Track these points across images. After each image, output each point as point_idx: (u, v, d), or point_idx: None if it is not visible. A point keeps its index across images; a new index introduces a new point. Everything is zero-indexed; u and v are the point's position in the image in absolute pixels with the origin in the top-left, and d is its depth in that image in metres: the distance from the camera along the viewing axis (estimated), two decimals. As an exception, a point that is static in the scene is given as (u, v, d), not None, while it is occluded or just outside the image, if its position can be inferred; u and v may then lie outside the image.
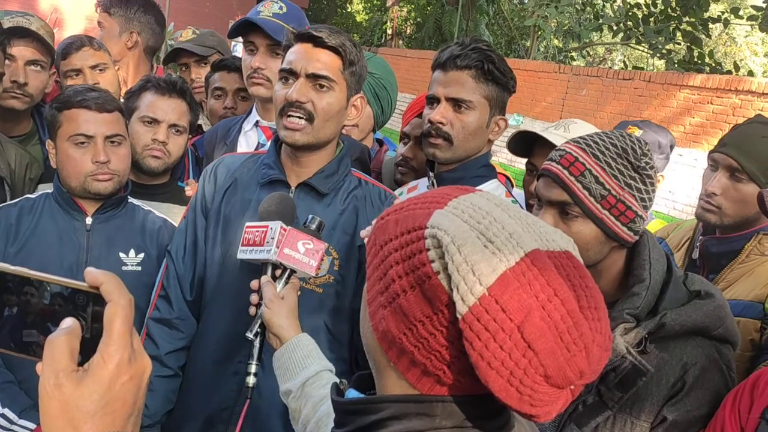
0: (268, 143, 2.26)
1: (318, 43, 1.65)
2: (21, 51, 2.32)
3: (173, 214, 2.13)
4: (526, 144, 2.04)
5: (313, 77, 1.64)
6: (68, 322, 0.62)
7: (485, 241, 0.73)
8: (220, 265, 1.75)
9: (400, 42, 22.37)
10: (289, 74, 1.67)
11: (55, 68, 2.59)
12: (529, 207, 2.13)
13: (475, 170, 1.93)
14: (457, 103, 1.84)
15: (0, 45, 2.07)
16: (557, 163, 1.38)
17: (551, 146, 1.86)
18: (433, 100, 1.89)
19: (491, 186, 1.95)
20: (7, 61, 2.28)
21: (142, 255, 1.93)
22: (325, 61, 1.65)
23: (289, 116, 1.64)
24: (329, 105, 1.66)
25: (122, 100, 2.28)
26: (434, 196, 0.82)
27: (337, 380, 1.27)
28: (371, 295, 0.82)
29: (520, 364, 0.69)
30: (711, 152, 1.93)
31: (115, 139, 1.86)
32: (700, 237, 2.00)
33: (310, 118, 1.65)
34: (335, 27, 1.76)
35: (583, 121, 2.10)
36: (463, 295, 0.70)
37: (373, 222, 1.61)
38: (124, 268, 1.89)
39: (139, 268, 1.91)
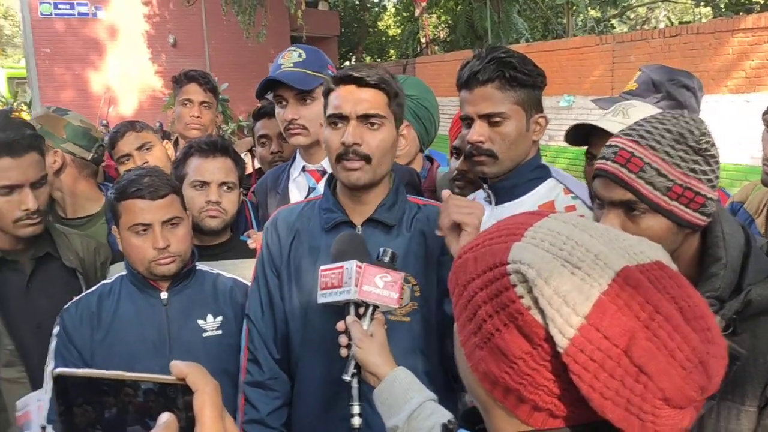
0: (318, 186, 2.30)
1: (361, 83, 1.68)
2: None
3: (241, 269, 2.17)
4: (583, 133, 1.97)
5: (364, 117, 1.67)
6: (164, 417, 0.65)
7: (572, 268, 0.71)
8: (302, 316, 1.77)
9: (436, 48, 22.34)
10: (338, 119, 1.68)
11: (109, 155, 2.76)
12: (591, 198, 2.07)
13: (527, 174, 1.90)
14: (490, 118, 1.80)
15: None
16: (612, 162, 1.32)
17: (609, 134, 1.80)
18: (467, 120, 1.87)
19: (548, 186, 1.91)
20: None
21: (220, 318, 1.98)
22: (372, 100, 1.68)
23: (347, 159, 1.67)
24: (383, 142, 1.69)
25: None
26: (508, 227, 0.80)
27: (446, 418, 1.27)
28: (464, 336, 0.81)
29: (636, 390, 0.66)
30: (764, 114, 1.82)
31: (173, 221, 1.91)
32: None
33: (366, 159, 1.67)
34: (369, 63, 1.79)
35: (641, 100, 1.98)
36: (561, 329, 0.68)
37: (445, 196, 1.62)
38: (205, 334, 1.94)
39: (220, 332, 1.96)
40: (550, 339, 0.70)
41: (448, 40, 23.08)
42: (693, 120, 1.32)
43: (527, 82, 1.80)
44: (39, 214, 1.99)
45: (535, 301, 0.71)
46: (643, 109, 1.89)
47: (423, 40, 21.59)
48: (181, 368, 0.66)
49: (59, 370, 0.65)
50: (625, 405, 0.66)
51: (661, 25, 18.11)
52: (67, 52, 17.30)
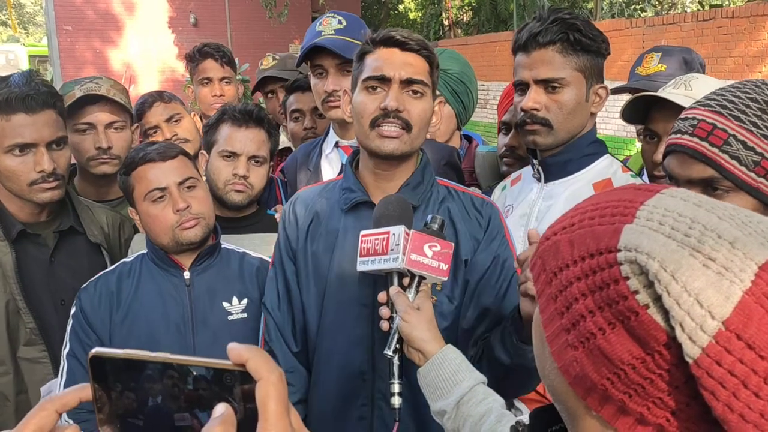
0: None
1: (405, 47, 1.54)
2: (97, 116, 2.33)
3: (267, 244, 2.03)
4: (641, 108, 1.83)
5: (408, 83, 1.53)
6: (221, 409, 0.55)
7: (704, 260, 0.57)
8: (317, 306, 1.64)
9: (459, 31, 22.02)
10: (378, 82, 1.54)
11: (138, 127, 2.63)
12: (654, 179, 1.93)
13: (583, 149, 1.75)
14: (548, 84, 1.66)
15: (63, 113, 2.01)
16: (691, 135, 1.19)
17: (672, 108, 1.66)
18: (521, 86, 1.72)
19: (604, 163, 1.78)
20: (87, 130, 2.32)
21: (245, 301, 1.85)
22: (416, 65, 1.54)
23: (386, 124, 1.52)
24: (424, 112, 1.54)
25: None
26: (613, 204, 0.67)
27: (498, 403, 1.16)
28: (551, 332, 0.68)
29: None
30: None
31: (188, 183, 1.81)
32: None
33: (407, 127, 1.52)
34: (407, 30, 1.65)
35: (705, 74, 1.84)
36: (692, 334, 0.56)
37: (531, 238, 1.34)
38: (230, 317, 1.82)
39: (245, 315, 1.84)
40: (672, 345, 0.57)
41: (471, 23, 22.73)
42: None
43: (591, 48, 1.66)
44: (56, 178, 1.88)
45: (656, 298, 0.58)
46: (706, 81, 1.76)
47: (446, 22, 21.30)
48: (241, 352, 0.55)
49: (95, 350, 0.56)
50: None
51: (688, 10, 17.62)
52: (88, 30, 17.24)
